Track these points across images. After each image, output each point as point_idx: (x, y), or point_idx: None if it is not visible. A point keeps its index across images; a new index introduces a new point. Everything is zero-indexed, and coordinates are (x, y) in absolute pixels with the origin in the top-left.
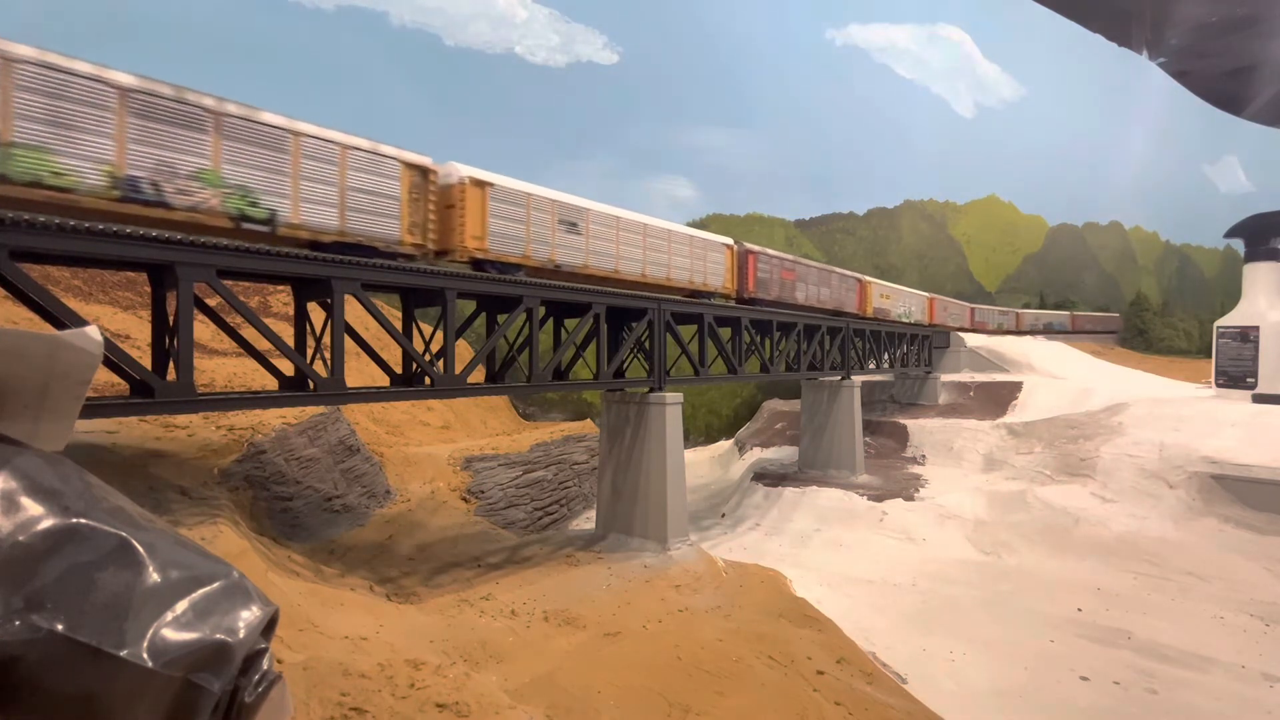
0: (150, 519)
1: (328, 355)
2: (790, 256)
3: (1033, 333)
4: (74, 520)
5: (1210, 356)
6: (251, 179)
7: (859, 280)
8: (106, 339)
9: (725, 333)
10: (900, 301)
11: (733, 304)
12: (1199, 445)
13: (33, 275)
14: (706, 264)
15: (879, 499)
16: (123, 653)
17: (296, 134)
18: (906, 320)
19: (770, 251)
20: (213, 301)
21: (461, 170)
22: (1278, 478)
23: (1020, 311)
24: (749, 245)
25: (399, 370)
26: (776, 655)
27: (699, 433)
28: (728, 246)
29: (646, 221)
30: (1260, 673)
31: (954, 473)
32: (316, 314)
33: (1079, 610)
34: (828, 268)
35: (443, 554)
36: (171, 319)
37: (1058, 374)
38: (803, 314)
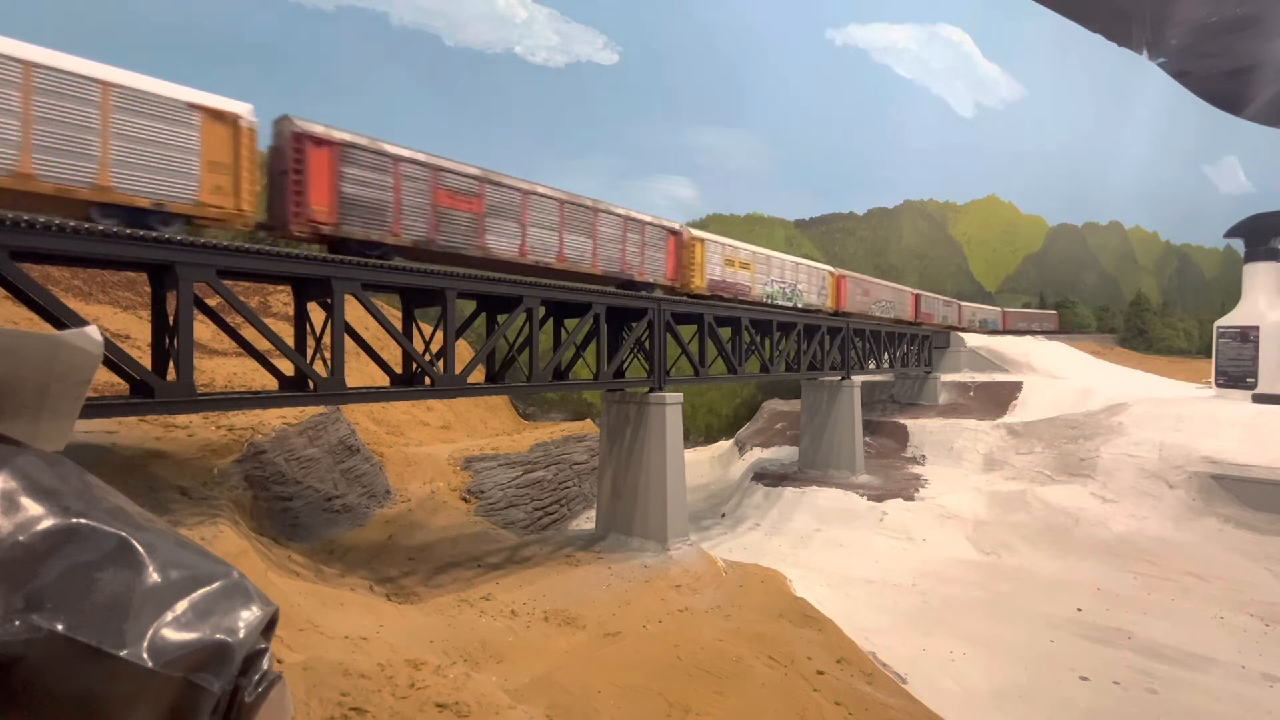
0: (150, 519)
1: (328, 355)
2: (474, 170)
3: (970, 329)
4: (74, 520)
5: (1210, 356)
6: None
7: (672, 233)
8: (106, 339)
9: (725, 333)
10: (768, 274)
11: (269, 245)
12: (1199, 445)
13: (33, 275)
14: (109, 136)
15: (879, 499)
16: (123, 653)
17: None
18: (786, 305)
19: (392, 148)
20: (213, 301)
21: None
22: (1278, 478)
23: (962, 304)
24: (302, 124)
25: (399, 370)
26: (776, 655)
27: (699, 433)
28: (202, 110)
29: None
30: (1260, 673)
31: (954, 473)
32: (316, 314)
33: (1079, 610)
34: (591, 203)
35: (443, 554)
36: (171, 319)
37: (1058, 374)
38: (516, 280)
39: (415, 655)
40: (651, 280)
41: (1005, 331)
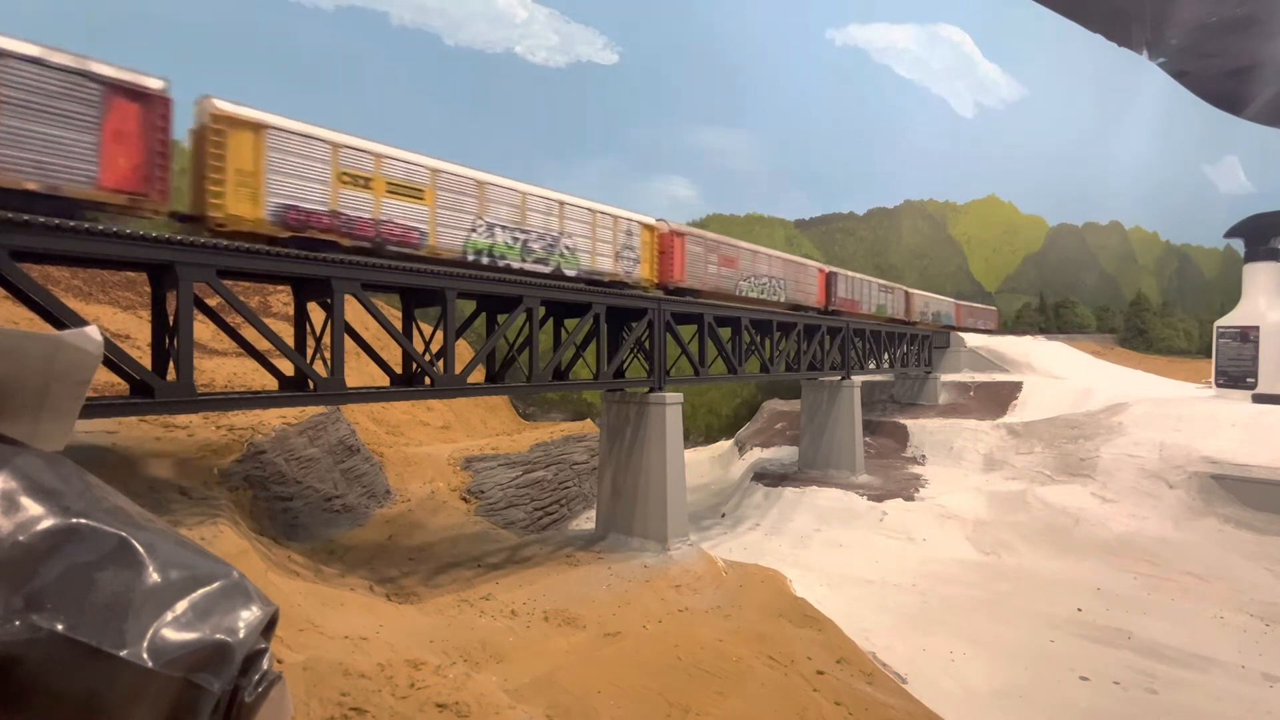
0: (150, 519)
1: (328, 355)
2: None
3: (922, 322)
4: (74, 520)
5: (1210, 356)
6: None
7: (125, 91)
8: (106, 339)
9: (725, 333)
10: (480, 214)
11: None
12: (1199, 445)
13: (33, 275)
14: None
15: (879, 499)
16: (123, 653)
17: None
18: (536, 269)
19: None
20: (213, 301)
21: None
22: (1278, 478)
23: (911, 292)
24: None
25: (399, 370)
26: (776, 655)
27: (699, 433)
28: None
29: None
30: (1260, 673)
31: (954, 473)
32: (316, 314)
33: (1079, 610)
34: None
35: (443, 554)
36: (171, 319)
37: (1058, 374)
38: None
39: (415, 655)
40: (37, 187)
41: (960, 328)
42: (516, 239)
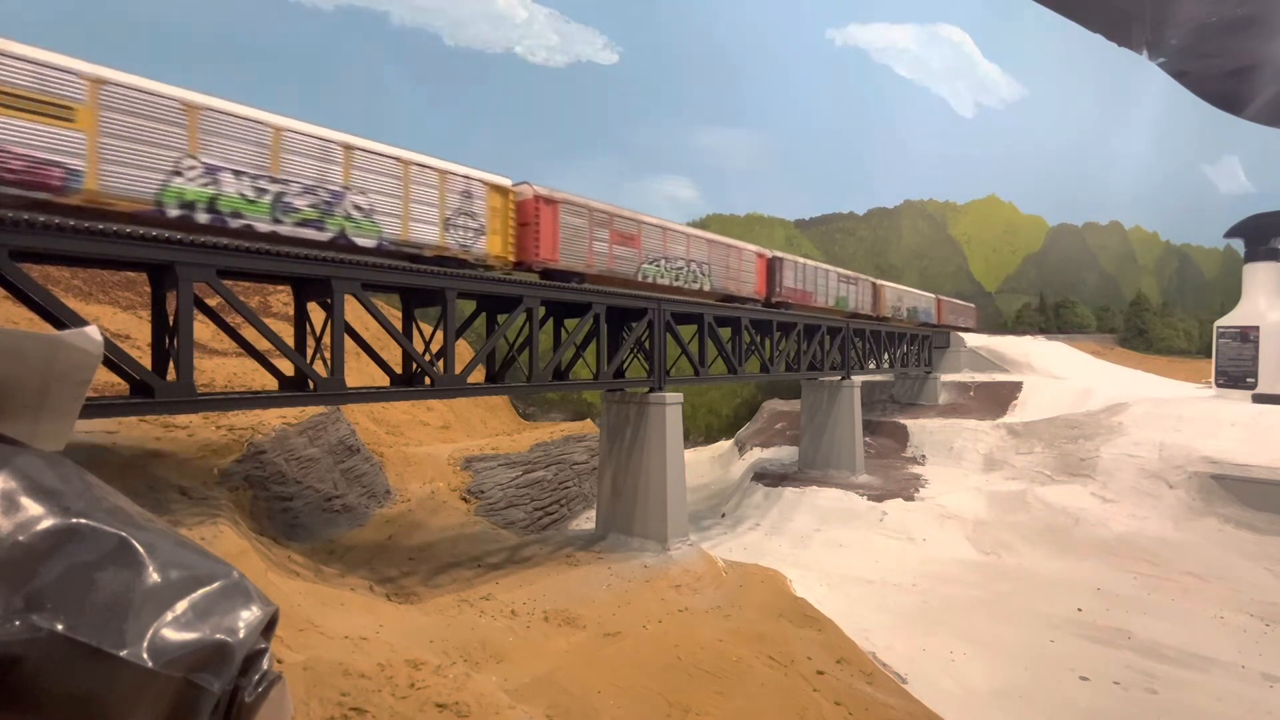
0: (150, 519)
1: (328, 355)
2: None
3: (895, 318)
4: (74, 520)
5: (1210, 356)
6: None
7: None
8: (106, 339)
9: (725, 333)
10: (175, 149)
11: None
12: (1199, 445)
13: (33, 275)
14: None
15: (879, 499)
16: (123, 653)
17: None
18: (314, 236)
19: None
20: (213, 301)
21: None
22: (1278, 478)
23: (880, 284)
24: None
25: (399, 370)
26: (776, 655)
27: (699, 433)
28: None
29: None
30: (1260, 673)
31: (954, 473)
32: (316, 314)
33: (1079, 610)
34: None
35: (443, 554)
36: (171, 319)
37: (1058, 374)
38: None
39: (415, 655)
40: None
41: (941, 326)
42: (263, 191)
